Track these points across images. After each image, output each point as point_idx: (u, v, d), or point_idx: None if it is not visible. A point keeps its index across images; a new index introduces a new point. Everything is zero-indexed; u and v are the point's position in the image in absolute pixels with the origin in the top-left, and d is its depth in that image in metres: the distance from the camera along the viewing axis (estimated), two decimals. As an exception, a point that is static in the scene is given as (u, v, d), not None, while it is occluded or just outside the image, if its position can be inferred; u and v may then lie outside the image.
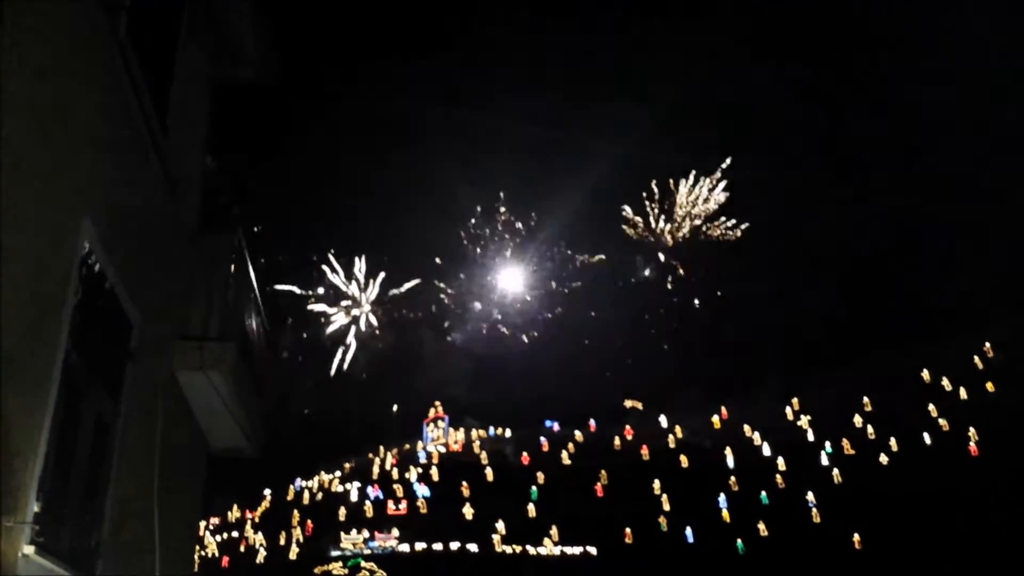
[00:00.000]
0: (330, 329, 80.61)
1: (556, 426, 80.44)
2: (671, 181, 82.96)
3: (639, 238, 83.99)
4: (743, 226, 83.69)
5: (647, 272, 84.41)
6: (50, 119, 4.82)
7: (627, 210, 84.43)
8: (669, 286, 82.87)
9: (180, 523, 7.65)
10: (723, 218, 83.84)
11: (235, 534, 70.73)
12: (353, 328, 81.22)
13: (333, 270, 79.89)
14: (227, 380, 7.44)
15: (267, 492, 74.48)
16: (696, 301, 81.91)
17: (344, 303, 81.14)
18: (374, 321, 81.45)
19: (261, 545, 69.18)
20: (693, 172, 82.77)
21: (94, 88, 5.54)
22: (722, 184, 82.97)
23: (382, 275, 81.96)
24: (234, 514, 71.95)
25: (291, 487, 75.93)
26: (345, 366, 79.78)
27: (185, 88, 7.39)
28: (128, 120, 6.07)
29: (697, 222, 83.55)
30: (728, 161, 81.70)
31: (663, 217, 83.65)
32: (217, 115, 8.52)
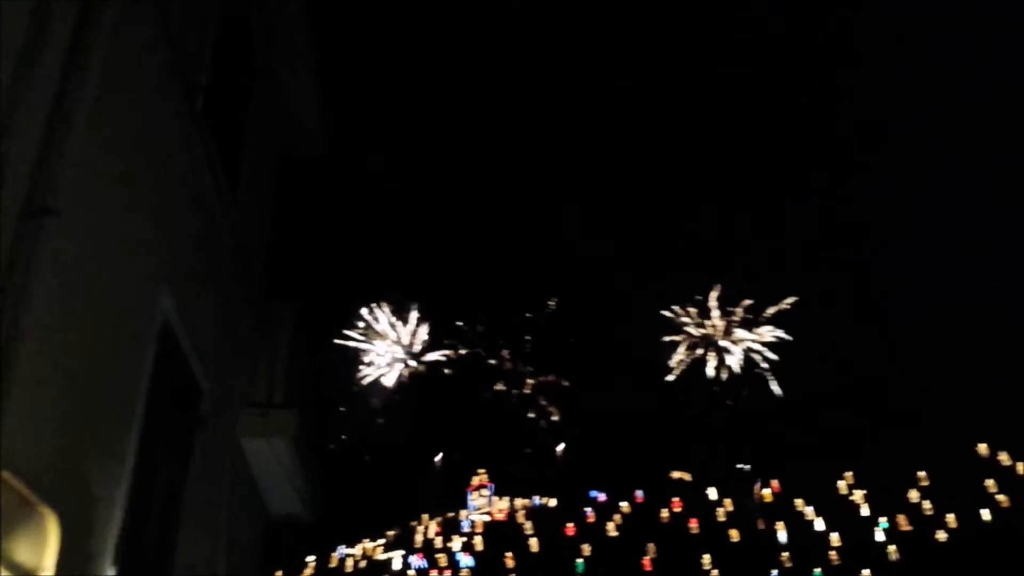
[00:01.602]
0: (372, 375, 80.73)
1: (602, 496, 79.41)
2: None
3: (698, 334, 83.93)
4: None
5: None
6: (131, 190, 5.02)
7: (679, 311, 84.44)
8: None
9: (240, 589, 7.70)
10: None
11: (279, 601, 70.20)
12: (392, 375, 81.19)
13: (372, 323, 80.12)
14: (290, 447, 7.54)
15: (310, 559, 74.09)
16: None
17: (388, 352, 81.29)
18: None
19: (304, 613, 68.57)
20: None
21: (172, 161, 5.76)
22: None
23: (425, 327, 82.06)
24: (278, 581, 71.48)
25: (334, 555, 75.49)
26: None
27: (253, 161, 7.65)
28: (202, 192, 6.29)
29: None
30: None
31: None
32: (283, 186, 8.78)
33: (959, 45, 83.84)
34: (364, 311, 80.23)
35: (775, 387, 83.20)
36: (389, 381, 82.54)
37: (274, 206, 8.80)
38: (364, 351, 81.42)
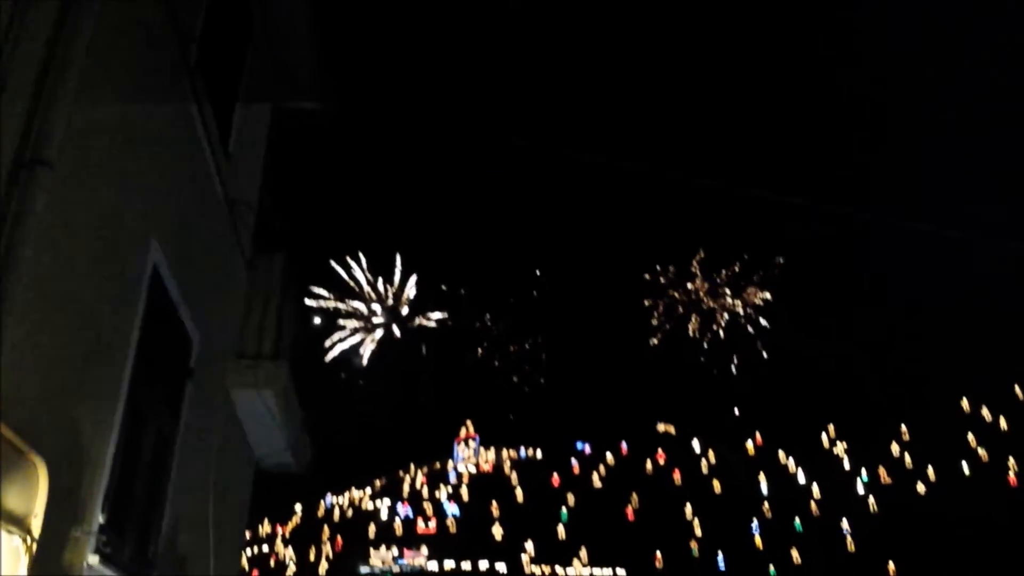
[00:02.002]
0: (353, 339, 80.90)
1: (587, 448, 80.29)
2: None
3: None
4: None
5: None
6: (124, 142, 5.00)
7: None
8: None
9: (230, 536, 7.79)
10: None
11: (265, 548, 71.10)
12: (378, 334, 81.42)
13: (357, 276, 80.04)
14: (279, 398, 7.60)
15: (298, 507, 74.98)
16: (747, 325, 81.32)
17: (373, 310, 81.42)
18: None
19: (291, 560, 69.51)
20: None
21: (165, 114, 5.73)
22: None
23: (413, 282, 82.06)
24: (265, 528, 72.35)
25: (322, 503, 76.34)
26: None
27: (246, 114, 7.60)
28: (194, 145, 6.27)
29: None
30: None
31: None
32: (275, 140, 8.74)
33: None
34: (355, 270, 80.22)
35: (759, 344, 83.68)
36: (376, 338, 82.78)
37: (266, 159, 8.76)
38: (351, 310, 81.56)
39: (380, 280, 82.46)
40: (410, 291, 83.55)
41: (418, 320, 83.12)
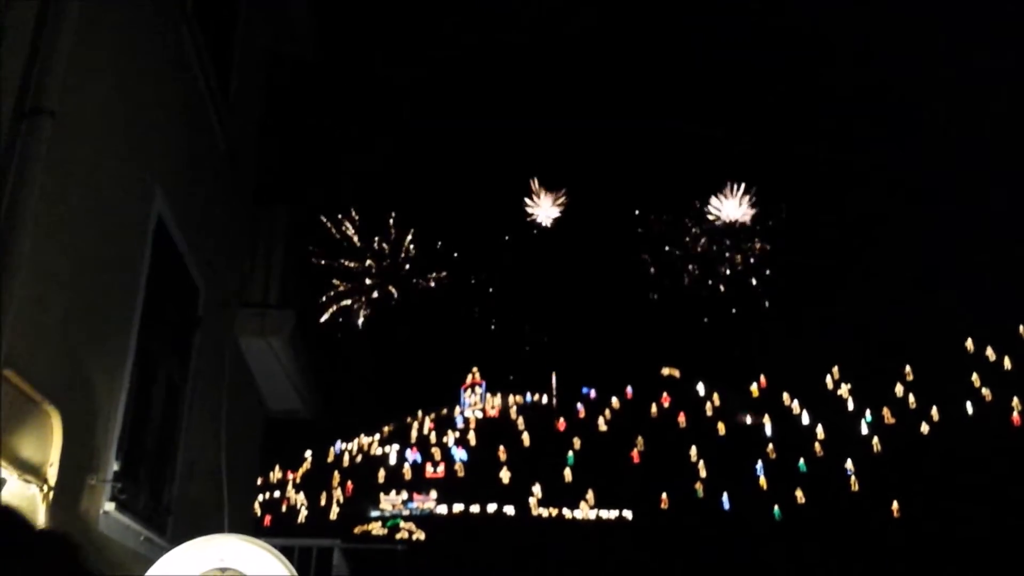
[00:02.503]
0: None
1: (593, 393, 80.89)
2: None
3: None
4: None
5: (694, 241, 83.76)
6: (124, 90, 4.96)
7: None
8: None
9: (242, 483, 7.90)
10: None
11: (277, 494, 72.06)
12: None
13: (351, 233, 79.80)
14: (287, 346, 7.66)
15: (308, 454, 75.81)
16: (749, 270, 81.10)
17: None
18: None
19: (302, 505, 70.51)
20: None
21: (164, 61, 5.68)
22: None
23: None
24: (276, 475, 73.26)
25: (331, 449, 77.20)
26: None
27: (245, 63, 7.53)
28: (195, 93, 6.23)
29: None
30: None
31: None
32: (274, 89, 8.67)
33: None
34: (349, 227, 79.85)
35: (761, 286, 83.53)
36: (376, 294, 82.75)
37: (265, 110, 8.71)
38: (352, 266, 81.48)
39: (377, 239, 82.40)
40: (409, 246, 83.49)
41: (416, 280, 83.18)
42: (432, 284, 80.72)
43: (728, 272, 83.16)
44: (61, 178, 3.93)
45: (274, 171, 8.66)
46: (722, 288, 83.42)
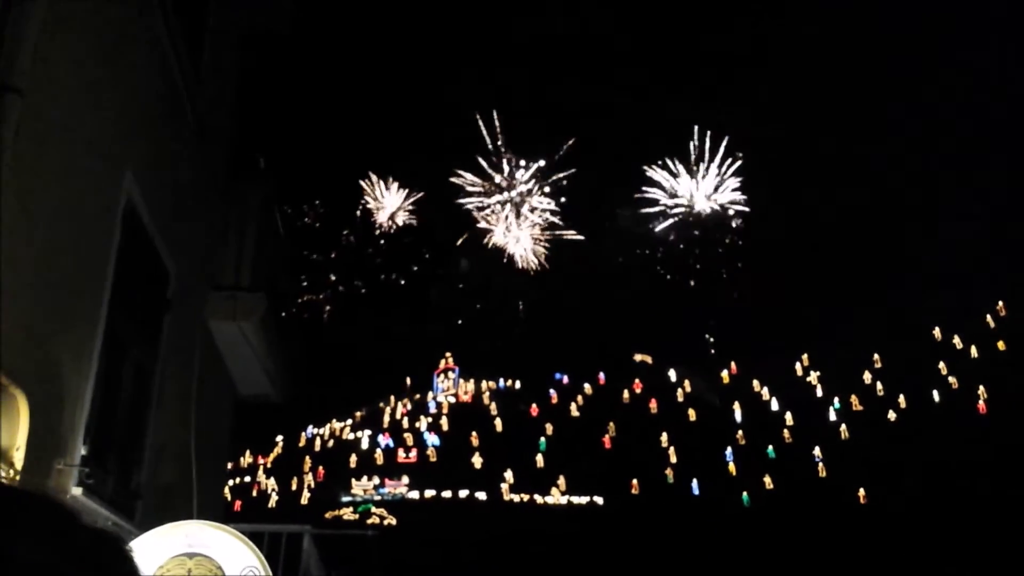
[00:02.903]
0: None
1: (565, 378, 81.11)
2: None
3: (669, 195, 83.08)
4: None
5: (666, 225, 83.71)
6: (93, 71, 4.87)
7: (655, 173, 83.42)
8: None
9: (212, 468, 7.84)
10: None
11: (247, 479, 71.70)
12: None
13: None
14: (258, 330, 7.59)
15: (279, 439, 75.46)
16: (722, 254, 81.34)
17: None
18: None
19: (273, 490, 70.23)
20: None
21: (133, 39, 5.58)
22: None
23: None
24: (246, 459, 72.88)
25: (303, 434, 76.92)
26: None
27: (217, 38, 7.42)
28: (165, 71, 6.13)
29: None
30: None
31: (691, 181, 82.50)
32: (248, 66, 8.56)
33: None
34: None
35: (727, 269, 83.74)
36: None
37: (239, 86, 8.59)
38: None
39: (345, 232, 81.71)
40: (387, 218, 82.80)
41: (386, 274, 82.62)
42: (400, 280, 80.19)
43: (697, 262, 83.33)
44: (29, 159, 3.86)
45: (247, 149, 8.55)
46: (692, 281, 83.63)
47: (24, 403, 3.96)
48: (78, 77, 4.61)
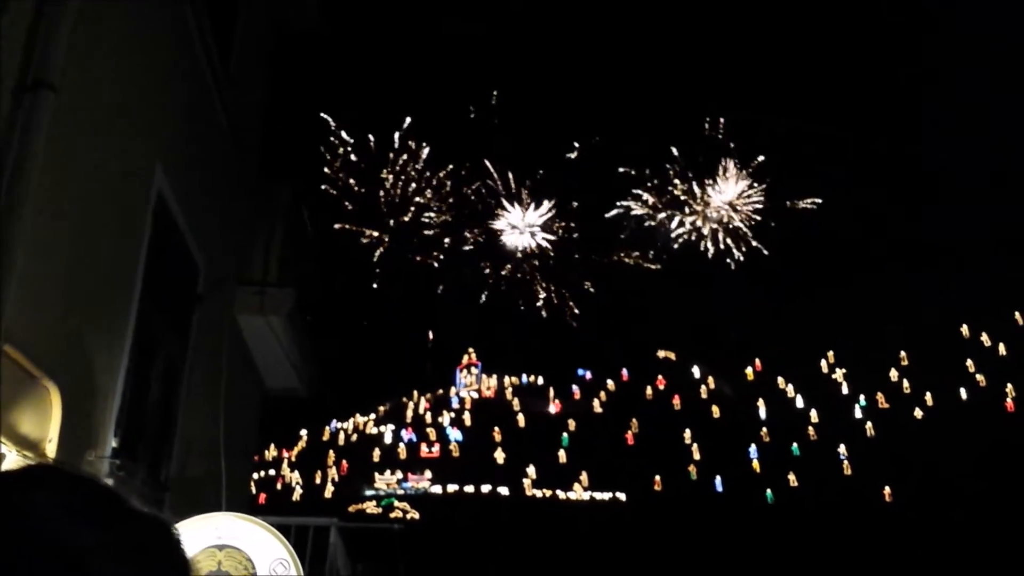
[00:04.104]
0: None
1: (588, 375, 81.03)
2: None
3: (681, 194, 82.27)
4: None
5: (684, 224, 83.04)
6: (125, 66, 4.92)
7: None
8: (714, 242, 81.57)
9: (240, 460, 7.90)
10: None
11: (272, 472, 72.16)
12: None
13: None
14: (286, 325, 7.64)
15: (303, 432, 75.88)
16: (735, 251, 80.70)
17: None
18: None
19: (297, 483, 70.66)
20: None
21: (165, 38, 5.63)
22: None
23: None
24: (271, 453, 73.32)
25: (327, 428, 77.30)
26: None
27: (248, 37, 7.48)
28: (196, 69, 6.18)
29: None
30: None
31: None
32: (278, 64, 8.60)
33: None
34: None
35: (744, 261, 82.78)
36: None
37: (269, 84, 8.65)
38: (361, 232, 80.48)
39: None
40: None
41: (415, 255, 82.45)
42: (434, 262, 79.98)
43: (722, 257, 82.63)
44: (62, 154, 3.90)
45: (277, 147, 8.59)
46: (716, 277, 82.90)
47: (57, 395, 4.01)
48: (110, 74, 4.65)
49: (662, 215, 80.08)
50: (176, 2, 5.74)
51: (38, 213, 3.61)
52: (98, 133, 4.48)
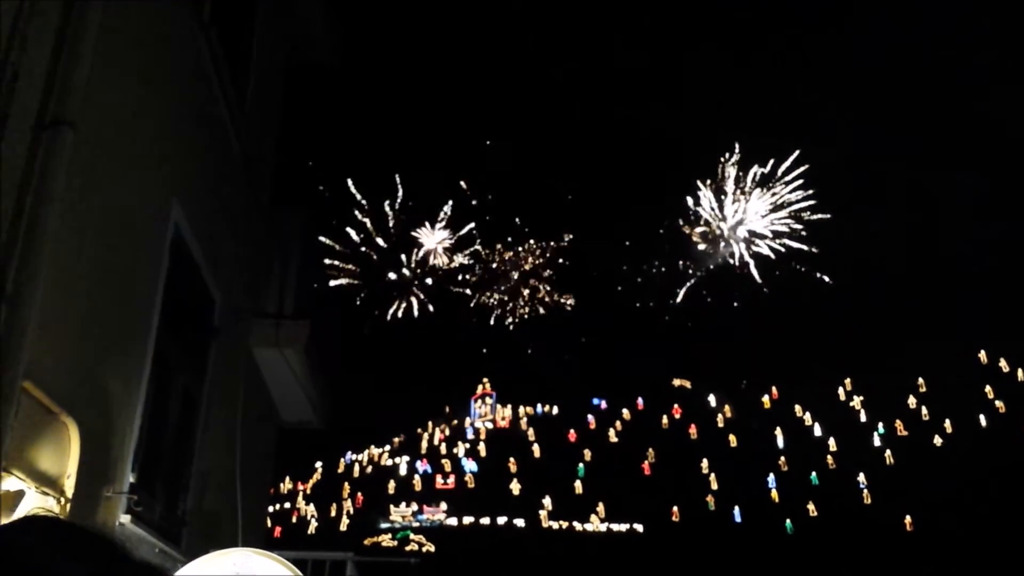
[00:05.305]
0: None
1: (604, 403, 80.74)
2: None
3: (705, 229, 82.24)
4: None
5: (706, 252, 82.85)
6: (141, 100, 4.96)
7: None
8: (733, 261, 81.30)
9: (255, 494, 7.88)
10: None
11: (287, 505, 71.96)
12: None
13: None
14: (301, 357, 7.64)
15: (318, 465, 75.76)
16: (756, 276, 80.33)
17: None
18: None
19: (312, 516, 70.42)
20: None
21: (180, 71, 5.68)
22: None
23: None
24: (286, 486, 73.15)
25: (342, 460, 77.15)
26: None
27: (261, 69, 7.54)
28: (210, 101, 6.23)
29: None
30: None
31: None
32: (291, 95, 8.68)
33: None
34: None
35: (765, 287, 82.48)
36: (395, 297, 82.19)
37: (283, 115, 8.72)
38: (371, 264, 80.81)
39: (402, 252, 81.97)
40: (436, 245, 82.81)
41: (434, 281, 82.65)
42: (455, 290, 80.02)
43: (738, 287, 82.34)
44: (81, 189, 3.92)
45: (291, 177, 8.65)
46: (734, 303, 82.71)
47: (75, 431, 4.00)
48: (128, 108, 4.69)
49: (699, 245, 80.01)
50: (192, 38, 5.80)
51: (57, 249, 3.62)
52: (116, 168, 4.50)
